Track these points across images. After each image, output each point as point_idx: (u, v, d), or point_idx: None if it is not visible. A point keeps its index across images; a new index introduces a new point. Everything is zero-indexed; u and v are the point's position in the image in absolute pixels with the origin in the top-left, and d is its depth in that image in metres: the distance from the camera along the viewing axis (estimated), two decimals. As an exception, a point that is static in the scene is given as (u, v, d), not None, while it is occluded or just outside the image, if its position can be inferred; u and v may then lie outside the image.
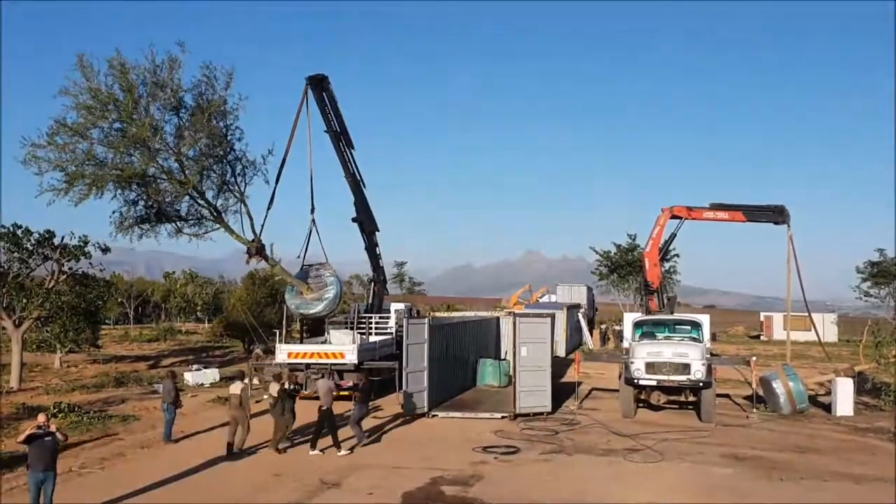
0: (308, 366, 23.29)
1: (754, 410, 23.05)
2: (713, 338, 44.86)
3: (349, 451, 17.22)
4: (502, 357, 31.04)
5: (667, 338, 23.64)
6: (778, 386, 23.18)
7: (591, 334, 51.26)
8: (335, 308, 26.42)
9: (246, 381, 17.92)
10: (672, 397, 22.13)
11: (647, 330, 24.16)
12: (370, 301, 29.56)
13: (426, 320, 23.62)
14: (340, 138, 26.76)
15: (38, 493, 11.92)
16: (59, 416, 21.07)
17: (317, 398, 18.33)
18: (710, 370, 21.49)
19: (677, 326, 24.42)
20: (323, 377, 19.12)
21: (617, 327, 50.72)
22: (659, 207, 28.31)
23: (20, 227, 29.71)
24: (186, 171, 22.42)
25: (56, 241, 30.63)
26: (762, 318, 63.06)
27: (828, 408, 23.58)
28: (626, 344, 24.54)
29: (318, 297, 25.58)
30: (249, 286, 45.54)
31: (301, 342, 26.22)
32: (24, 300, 29.74)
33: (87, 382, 29.57)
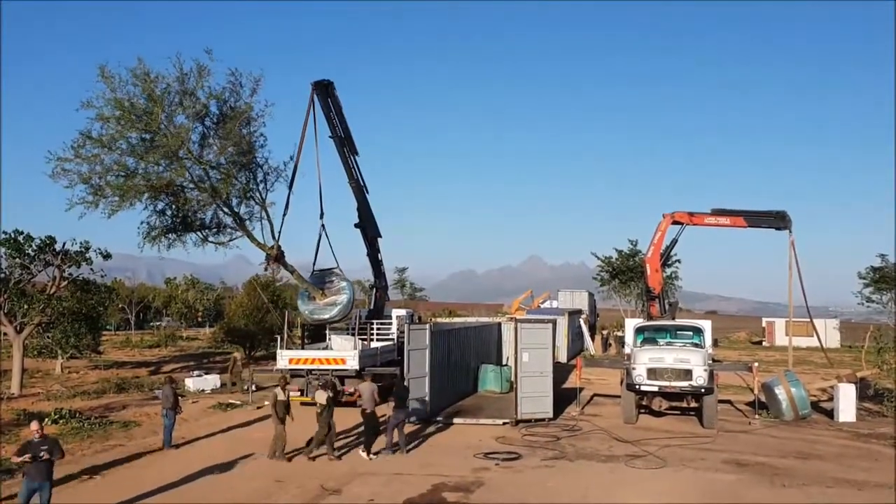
0: (309, 371, 23.26)
1: (756, 416, 23.01)
2: (715, 343, 44.79)
3: (374, 456, 17.30)
4: (504, 363, 31.02)
5: (668, 344, 23.60)
6: (780, 392, 23.13)
7: (593, 340, 51.24)
8: (348, 313, 26.38)
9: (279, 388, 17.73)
10: (674, 403, 22.08)
11: (648, 336, 24.14)
12: (371, 307, 29.54)
13: (427, 326, 23.60)
14: (345, 144, 26.78)
15: (29, 499, 11.83)
16: (61, 422, 21.08)
17: (314, 404, 18.27)
18: (711, 376, 21.45)
19: (679, 332, 24.39)
20: (364, 380, 18.90)
21: (618, 333, 50.74)
22: (660, 213, 28.31)
23: (21, 232, 29.74)
24: (212, 180, 22.28)
25: (57, 247, 30.65)
26: (764, 324, 62.98)
27: (830, 414, 23.52)
28: (627, 350, 24.51)
29: (332, 303, 25.57)
30: (251, 292, 45.49)
31: (302, 348, 26.18)
32: (26, 306, 29.72)
33: (88, 388, 29.55)
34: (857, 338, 46.36)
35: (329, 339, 26.49)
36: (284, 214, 24.68)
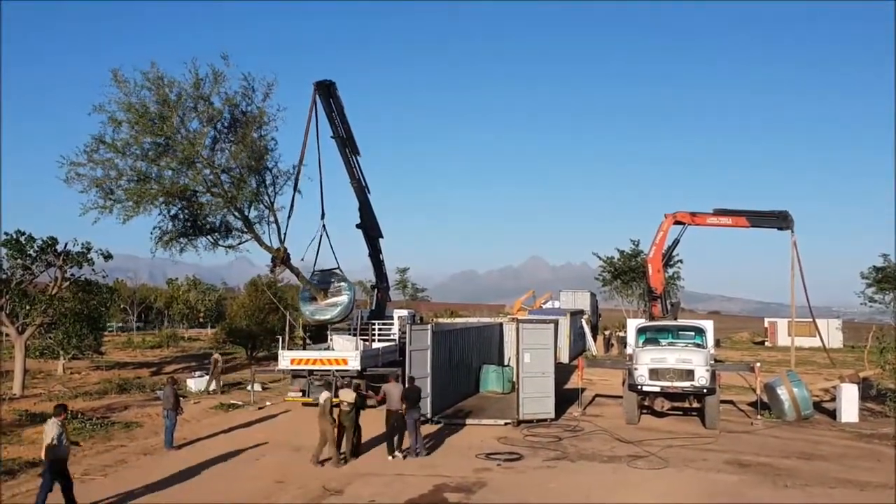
0: (311, 372, 23.26)
1: (759, 417, 22.97)
2: (717, 344, 44.79)
3: (395, 457, 17.36)
4: (506, 363, 30.99)
5: (670, 344, 23.58)
6: (782, 392, 23.08)
7: (595, 340, 51.17)
8: (349, 313, 26.38)
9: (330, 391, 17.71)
10: (676, 404, 22.06)
11: (650, 336, 24.12)
12: (373, 307, 29.53)
13: (429, 326, 23.58)
14: (347, 144, 26.76)
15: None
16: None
17: (316, 405, 18.25)
18: (714, 376, 21.42)
19: (681, 332, 24.36)
20: (391, 381, 18.84)
21: (620, 333, 50.68)
22: (662, 213, 28.26)
23: (23, 233, 29.75)
24: (224, 185, 22.19)
25: (59, 247, 30.66)
26: (766, 324, 62.94)
27: (832, 414, 23.47)
28: (629, 350, 24.48)
29: (333, 303, 25.58)
30: (253, 293, 45.48)
31: (304, 349, 26.18)
32: (28, 307, 29.72)
33: (90, 389, 29.56)
34: (860, 338, 46.31)
35: (331, 339, 26.48)
36: (289, 216, 24.63)
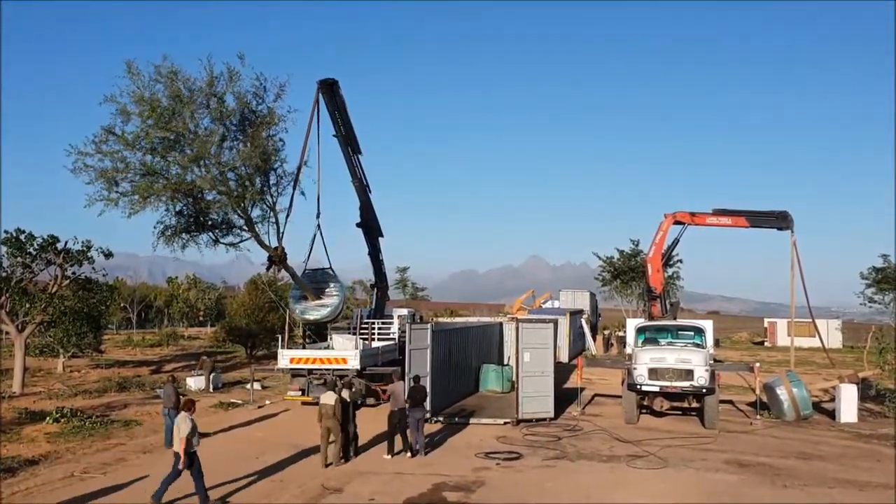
0: (310, 371, 23.27)
1: (758, 417, 22.99)
2: (716, 344, 44.78)
3: (409, 455, 17.33)
4: (505, 363, 31.01)
5: (670, 344, 23.59)
6: (782, 392, 23.10)
7: (594, 340, 51.23)
8: (339, 313, 26.40)
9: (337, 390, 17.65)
10: (675, 403, 22.07)
11: (649, 336, 24.13)
12: (372, 306, 29.54)
13: (429, 325, 23.59)
14: (348, 143, 26.74)
15: None
16: (62, 420, 21.09)
17: (315, 404, 18.23)
18: (713, 376, 21.43)
19: (680, 332, 24.37)
20: (396, 381, 18.81)
21: (620, 333, 50.72)
22: (662, 213, 28.27)
23: (23, 231, 29.75)
24: (230, 183, 22.13)
25: (59, 245, 30.66)
26: (766, 325, 63.02)
27: (832, 414, 23.48)
28: (628, 350, 24.50)
29: (323, 303, 25.58)
30: (253, 291, 45.51)
31: (303, 348, 26.20)
32: (27, 305, 29.75)
33: (89, 387, 29.60)
34: (859, 338, 46.32)
35: (330, 338, 26.49)
36: (288, 215, 24.61)
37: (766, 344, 59.56)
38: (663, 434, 20.44)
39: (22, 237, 29.60)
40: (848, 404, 22.86)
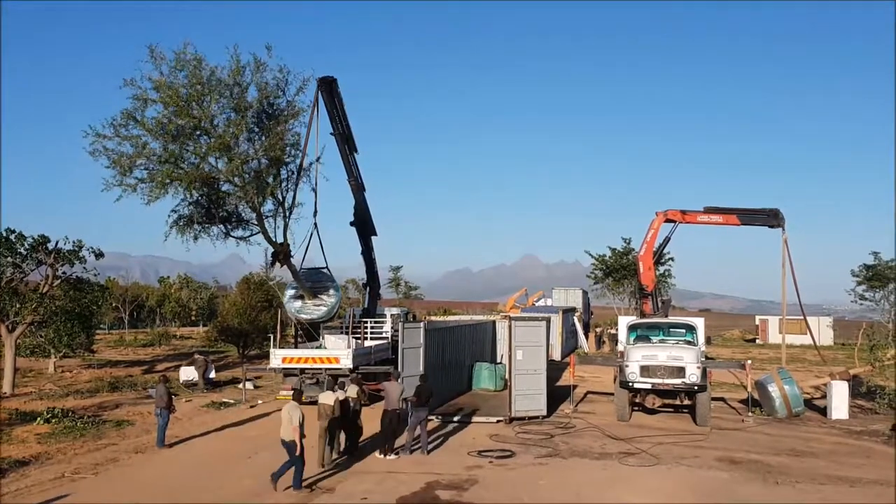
0: (303, 370, 23.23)
1: (750, 414, 23.07)
2: (708, 341, 44.90)
3: (395, 457, 17.22)
4: (498, 361, 31.03)
5: (661, 341, 23.65)
6: (773, 389, 23.19)
7: (587, 338, 51.33)
8: (335, 313, 26.33)
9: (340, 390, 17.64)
10: (667, 401, 22.13)
11: (641, 333, 24.18)
12: (365, 305, 29.50)
13: (422, 324, 23.58)
14: (346, 141, 26.65)
15: None
16: (53, 421, 21.01)
17: (314, 403, 18.17)
18: (705, 373, 21.50)
19: (672, 330, 24.43)
20: (392, 380, 18.72)
21: (612, 331, 50.81)
22: (654, 211, 28.34)
23: (14, 231, 29.57)
24: (246, 175, 21.74)
25: (50, 245, 30.50)
26: (757, 322, 63.25)
27: (823, 411, 23.60)
28: (620, 347, 24.55)
29: (320, 303, 25.52)
30: (245, 290, 45.39)
31: (296, 347, 26.15)
32: (18, 305, 29.57)
33: (81, 388, 29.48)
34: (851, 335, 46.53)
35: (323, 337, 26.45)
36: (290, 212, 24.35)
37: (757, 341, 59.76)
38: (655, 431, 20.50)
39: (12, 237, 29.43)
40: (839, 401, 22.97)
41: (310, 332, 26.90)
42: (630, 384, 21.67)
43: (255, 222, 23.23)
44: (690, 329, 23.96)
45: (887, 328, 42.28)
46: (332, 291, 25.93)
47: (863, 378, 27.47)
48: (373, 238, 29.12)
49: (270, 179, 22.71)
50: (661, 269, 50.93)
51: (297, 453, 14.23)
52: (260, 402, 26.05)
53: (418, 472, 15.82)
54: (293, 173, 23.79)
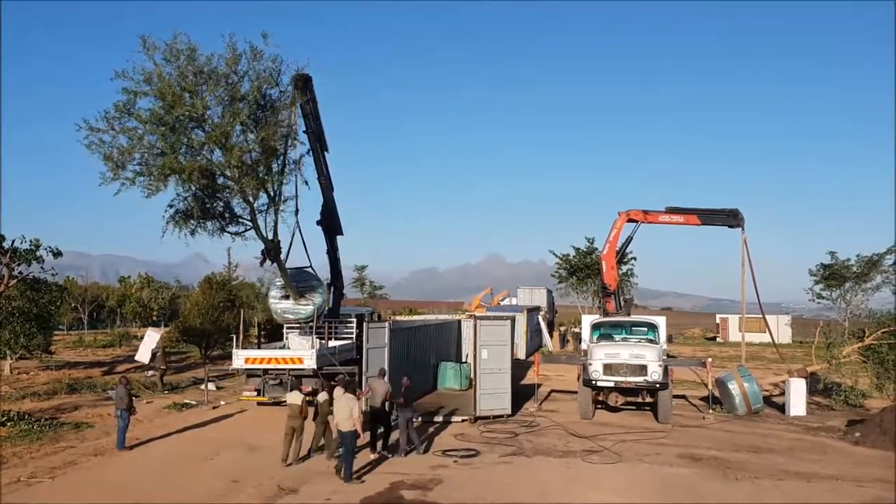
0: (266, 371, 23.01)
1: (710, 411, 23.39)
2: (669, 339, 45.52)
3: (388, 456, 17.23)
4: (463, 360, 31.08)
5: (624, 339, 23.91)
6: (733, 387, 23.56)
7: (551, 336, 51.63)
8: (321, 312, 26.06)
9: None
10: (629, 398, 22.37)
11: (604, 332, 24.40)
12: (329, 305, 29.29)
13: (387, 324, 23.50)
14: (319, 139, 26.41)
15: None
16: (8, 425, 20.53)
17: (277, 404, 18.06)
18: (666, 371, 21.78)
19: (634, 328, 24.71)
20: (378, 378, 18.56)
21: (576, 329, 51.21)
22: (616, 211, 28.59)
23: (-33, 230, 28.84)
24: (244, 167, 21.18)
25: (6, 244, 29.80)
26: (718, 320, 64.18)
27: (782, 408, 24.03)
28: (584, 346, 24.75)
29: (307, 302, 25.27)
30: (207, 290, 44.78)
31: (258, 347, 25.89)
32: (-28, 306, 28.88)
33: (38, 390, 28.82)
34: (808, 333, 47.38)
35: (286, 338, 26.20)
36: (277, 209, 23.91)
37: (717, 339, 60.63)
38: (618, 429, 20.70)
39: (-34, 236, 28.70)
40: (797, 398, 23.40)
41: (273, 333, 26.63)
42: (593, 382, 21.86)
43: (248, 217, 22.88)
44: (652, 327, 24.25)
45: (843, 326, 43.23)
46: (318, 291, 25.68)
47: (820, 375, 28.01)
48: (338, 238, 28.93)
49: (267, 171, 22.39)
50: (624, 268, 51.44)
51: (360, 441, 14.55)
52: (222, 402, 25.77)
53: (383, 472, 15.80)
54: (283, 166, 23.48)
